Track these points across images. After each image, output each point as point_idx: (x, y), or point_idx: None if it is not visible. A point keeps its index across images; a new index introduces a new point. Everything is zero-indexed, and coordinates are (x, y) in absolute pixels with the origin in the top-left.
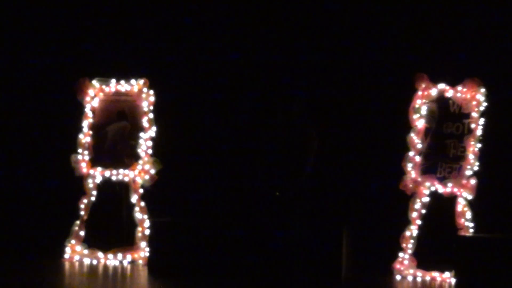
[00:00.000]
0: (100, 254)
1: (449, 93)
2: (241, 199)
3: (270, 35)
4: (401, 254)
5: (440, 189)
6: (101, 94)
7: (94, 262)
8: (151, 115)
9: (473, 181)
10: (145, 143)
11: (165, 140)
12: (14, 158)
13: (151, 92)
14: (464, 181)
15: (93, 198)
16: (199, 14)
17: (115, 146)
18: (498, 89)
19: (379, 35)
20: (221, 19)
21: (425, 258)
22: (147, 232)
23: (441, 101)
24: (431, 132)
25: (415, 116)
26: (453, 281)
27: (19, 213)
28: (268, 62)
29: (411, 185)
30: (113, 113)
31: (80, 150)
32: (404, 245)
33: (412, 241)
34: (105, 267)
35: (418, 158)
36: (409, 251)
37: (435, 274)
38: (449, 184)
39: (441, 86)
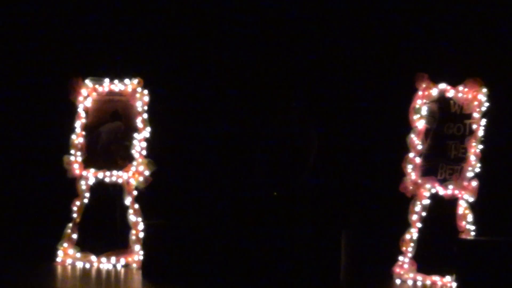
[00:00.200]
0: (93, 258)
1: (450, 93)
2: (238, 201)
3: (268, 33)
4: (401, 258)
5: (441, 191)
6: (94, 94)
7: (87, 265)
8: (145, 115)
9: (474, 183)
10: (139, 144)
11: (160, 141)
12: (5, 159)
13: (146, 91)
14: (465, 183)
15: (86, 200)
16: (194, 12)
17: (108, 147)
18: (500, 89)
19: (379, 34)
20: (218, 17)
21: (425, 262)
22: (141, 235)
23: (442, 101)
24: (432, 133)
25: (416, 117)
26: (454, 285)
27: (11, 215)
28: (266, 61)
29: (411, 187)
30: (106, 113)
31: (72, 151)
32: (404, 248)
33: (412, 244)
34: (99, 270)
35: (418, 160)
36: (409, 255)
37: (436, 278)
38: (450, 186)
39: (442, 86)
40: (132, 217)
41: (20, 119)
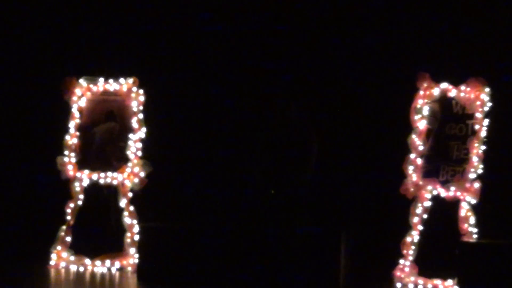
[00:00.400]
0: (87, 261)
1: (452, 92)
2: (235, 203)
3: (267, 32)
4: (401, 261)
5: (443, 193)
6: (88, 94)
7: (81, 269)
8: (140, 116)
9: (477, 185)
10: (134, 145)
11: (156, 141)
12: None
13: (141, 91)
14: (467, 185)
15: (80, 202)
16: (192, 10)
17: (103, 148)
18: (503, 88)
19: (379, 32)
20: (215, 15)
21: (426, 265)
22: (136, 237)
23: (444, 101)
24: (433, 134)
25: (417, 117)
26: None
27: (3, 217)
28: (265, 60)
29: (412, 189)
30: (101, 113)
31: (66, 152)
32: (404, 251)
33: (413, 247)
34: (93, 274)
35: (419, 161)
36: (410, 258)
37: (437, 281)
38: (452, 188)
39: (444, 85)
40: (127, 220)
41: (12, 119)
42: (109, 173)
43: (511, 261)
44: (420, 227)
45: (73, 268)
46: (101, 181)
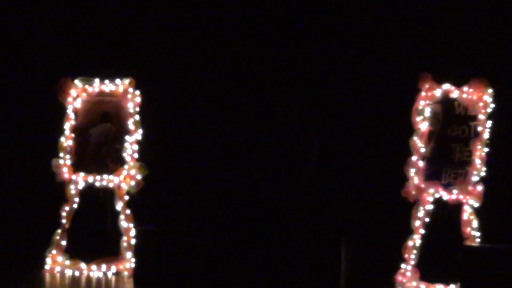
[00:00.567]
0: (83, 265)
1: (455, 93)
2: (234, 206)
3: (267, 33)
4: (403, 265)
5: (445, 196)
6: (84, 95)
7: (77, 273)
8: (137, 117)
9: (479, 188)
10: (130, 147)
11: (152, 143)
12: None
13: (137, 92)
14: (470, 188)
15: (75, 206)
16: (189, 8)
17: (99, 150)
18: (506, 89)
19: (380, 32)
20: (214, 15)
21: (428, 270)
22: (133, 241)
23: (446, 102)
24: (435, 136)
25: (418, 118)
26: None
27: None
28: (265, 60)
29: (414, 192)
30: (96, 114)
31: (61, 154)
32: (406, 255)
33: (415, 251)
34: (88, 278)
35: (421, 163)
36: (412, 262)
37: (440, 286)
38: (454, 191)
39: (446, 86)
40: (123, 223)
41: (6, 120)
42: (105, 176)
43: None
44: (422, 231)
45: (68, 272)
46: (97, 184)
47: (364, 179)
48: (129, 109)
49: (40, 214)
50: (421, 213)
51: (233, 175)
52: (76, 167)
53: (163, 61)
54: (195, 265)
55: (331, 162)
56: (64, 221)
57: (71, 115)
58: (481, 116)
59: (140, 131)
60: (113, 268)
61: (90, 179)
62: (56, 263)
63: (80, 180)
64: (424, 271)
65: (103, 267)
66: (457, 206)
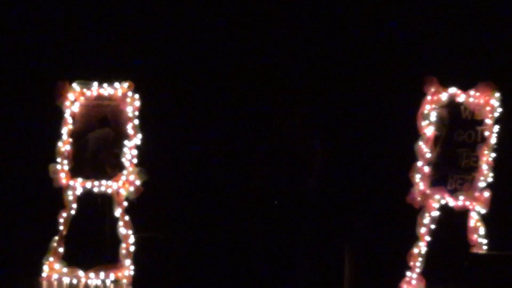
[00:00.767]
0: (81, 273)
1: (461, 97)
2: (235, 212)
3: (269, 35)
4: (408, 273)
5: (451, 202)
6: (82, 99)
7: (74, 281)
8: (136, 121)
9: (486, 194)
10: (129, 152)
11: (152, 148)
12: None
13: (136, 96)
14: (477, 194)
15: (73, 212)
16: (189, 10)
17: (97, 155)
18: None
19: (385, 35)
20: (215, 17)
21: (434, 278)
22: (132, 248)
23: (452, 106)
24: (441, 141)
25: (424, 123)
26: None
27: None
28: (266, 62)
29: (419, 198)
30: (95, 119)
31: (59, 159)
32: (411, 263)
33: (420, 258)
34: (86, 286)
35: (427, 169)
36: (417, 270)
37: None
38: (461, 197)
39: (452, 90)
40: (122, 230)
41: (2, 124)
42: (103, 181)
43: None
44: (428, 238)
45: (66, 280)
46: (95, 190)
47: (368, 185)
48: (128, 113)
49: (37, 220)
50: (426, 220)
51: (234, 180)
52: (74, 173)
53: (162, 64)
54: (195, 272)
55: (335, 167)
56: (61, 227)
57: (69, 120)
58: (488, 121)
59: (139, 135)
60: (112, 276)
61: (88, 184)
62: (53, 270)
63: (78, 185)
64: (430, 279)
65: (102, 274)
66: (464, 213)
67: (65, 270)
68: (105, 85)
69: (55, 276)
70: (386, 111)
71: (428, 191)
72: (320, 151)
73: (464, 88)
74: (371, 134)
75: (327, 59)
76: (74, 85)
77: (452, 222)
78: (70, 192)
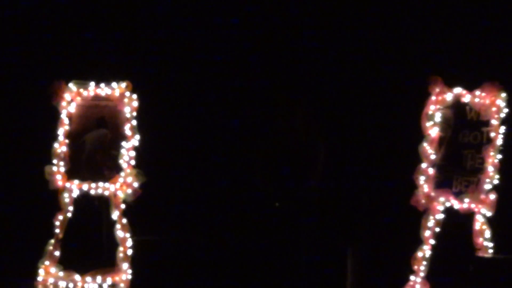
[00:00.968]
0: (77, 277)
1: (466, 98)
2: (236, 214)
3: (270, 34)
4: (412, 277)
5: (456, 204)
6: (78, 99)
7: (71, 285)
8: (134, 122)
9: (492, 196)
10: (127, 153)
11: (150, 149)
12: None
13: (134, 96)
14: (482, 196)
15: (69, 214)
16: (189, 8)
17: (94, 157)
18: None
19: (388, 34)
20: (216, 15)
21: (439, 282)
22: (130, 252)
23: (457, 107)
24: (446, 142)
25: (428, 124)
26: None
27: None
28: (268, 62)
29: (423, 200)
30: (92, 119)
31: (55, 161)
32: (415, 267)
33: (424, 262)
34: None
35: (431, 171)
36: (421, 274)
37: None
38: (466, 199)
39: (457, 90)
40: (119, 233)
41: None
42: (101, 184)
43: None
44: (432, 241)
45: (62, 284)
46: (92, 192)
47: (371, 187)
48: (125, 113)
49: (32, 223)
50: (431, 223)
51: (235, 182)
52: (70, 175)
53: (161, 63)
54: (195, 277)
55: (338, 168)
56: (57, 230)
57: (65, 120)
58: (494, 122)
59: (138, 136)
60: (109, 280)
61: (85, 187)
62: (49, 274)
63: (75, 188)
64: (434, 283)
65: (98, 279)
66: (469, 215)
67: (61, 274)
68: (102, 85)
69: (51, 280)
70: (389, 111)
71: (432, 194)
72: (323, 152)
73: (470, 88)
74: (374, 135)
75: (329, 59)
76: (71, 85)
77: (457, 225)
78: (66, 195)
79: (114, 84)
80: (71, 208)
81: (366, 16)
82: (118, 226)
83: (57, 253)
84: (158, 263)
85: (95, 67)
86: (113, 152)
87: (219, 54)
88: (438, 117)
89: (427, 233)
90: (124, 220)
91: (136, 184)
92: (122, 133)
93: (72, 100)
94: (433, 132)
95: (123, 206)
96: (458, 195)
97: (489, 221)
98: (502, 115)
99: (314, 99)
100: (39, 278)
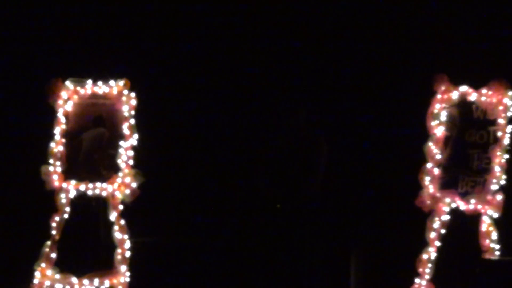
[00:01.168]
0: (74, 280)
1: (472, 96)
2: (237, 216)
3: (272, 33)
4: (417, 280)
5: (462, 205)
6: (75, 97)
7: None
8: (132, 121)
9: (499, 197)
10: (125, 153)
11: (149, 149)
12: None
13: (133, 94)
14: (489, 197)
15: (66, 216)
16: (189, 7)
17: (91, 156)
18: None
19: (392, 31)
20: (218, 13)
21: (444, 285)
22: (128, 254)
23: (463, 105)
24: (452, 141)
25: (434, 123)
26: None
27: None
28: (270, 62)
29: (429, 202)
30: (89, 118)
31: (51, 161)
32: (420, 269)
33: (430, 265)
34: None
35: (437, 171)
36: (427, 277)
37: None
38: (472, 200)
39: (463, 88)
40: (117, 234)
41: None
42: (98, 184)
43: None
44: (438, 243)
45: (58, 287)
46: (89, 193)
47: (375, 187)
48: (123, 112)
49: (28, 224)
50: (436, 224)
51: (236, 183)
52: (67, 175)
53: (160, 61)
54: (194, 279)
55: (341, 169)
56: (54, 232)
57: (62, 119)
58: (501, 121)
59: (136, 136)
60: (107, 283)
61: (82, 187)
62: (45, 277)
63: (71, 188)
64: (440, 286)
65: (96, 281)
66: (475, 217)
67: (57, 276)
68: (99, 83)
69: (47, 283)
70: (394, 110)
71: (438, 194)
72: (326, 153)
73: (476, 86)
74: (378, 134)
75: (334, 58)
76: (68, 83)
77: (463, 226)
78: (63, 195)
79: (112, 82)
80: (68, 209)
81: (371, 15)
82: (116, 227)
83: (53, 255)
84: (157, 266)
85: (92, 65)
86: (111, 152)
87: (222, 54)
88: (443, 116)
89: (433, 234)
90: (122, 221)
91: (134, 185)
92: (120, 132)
93: (69, 98)
94: (439, 131)
95: (121, 207)
96: (464, 196)
97: (496, 222)
98: (510, 114)
99: (317, 99)
100: (35, 281)
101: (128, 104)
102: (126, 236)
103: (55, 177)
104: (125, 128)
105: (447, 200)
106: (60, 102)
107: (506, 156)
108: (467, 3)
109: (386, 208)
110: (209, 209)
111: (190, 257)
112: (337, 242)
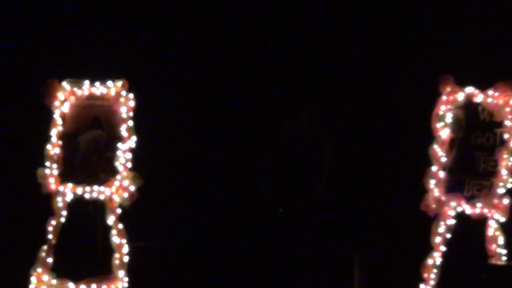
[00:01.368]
0: (71, 285)
1: (479, 98)
2: (238, 220)
3: (274, 32)
4: (422, 286)
5: (468, 209)
6: (72, 98)
7: None
8: (130, 123)
9: (506, 201)
10: (123, 155)
11: (147, 151)
12: None
13: (131, 95)
14: (495, 201)
15: (63, 219)
16: (189, 6)
17: (88, 159)
18: None
19: (398, 32)
20: (219, 11)
21: None
22: (126, 259)
23: (469, 107)
24: (458, 144)
25: (439, 125)
26: None
27: None
28: (272, 62)
29: (434, 205)
30: (86, 120)
31: (48, 163)
32: (425, 275)
33: (435, 270)
34: None
35: (442, 174)
36: (432, 282)
37: None
38: (478, 204)
39: (469, 90)
40: (115, 239)
41: None
42: (95, 187)
43: None
44: (443, 248)
45: None
46: (87, 196)
47: (379, 191)
48: (121, 114)
49: (24, 228)
50: (441, 229)
51: (237, 186)
52: (64, 178)
53: (158, 61)
54: (193, 284)
55: (344, 171)
56: (50, 236)
57: (58, 121)
58: (508, 123)
59: (134, 138)
60: None
61: (79, 190)
62: (41, 282)
63: (68, 191)
64: None
65: (93, 287)
66: (481, 221)
67: (54, 282)
68: (97, 83)
69: None
70: (398, 112)
71: (443, 198)
72: (329, 155)
73: (482, 87)
74: (382, 136)
75: (338, 59)
76: (64, 83)
77: (469, 231)
78: (59, 199)
79: (109, 83)
80: (64, 212)
81: (376, 16)
82: (113, 231)
83: (50, 260)
84: (155, 271)
85: (89, 65)
86: (108, 154)
87: (222, 54)
88: (449, 117)
89: (438, 239)
90: (120, 226)
91: (132, 188)
92: (118, 134)
93: (65, 99)
94: (444, 133)
95: (119, 210)
96: (470, 200)
97: (503, 226)
98: None
99: (321, 101)
100: (31, 286)
101: (126, 105)
102: (124, 241)
103: (51, 180)
104: (123, 130)
105: (453, 204)
106: (57, 103)
107: None
108: (472, 4)
109: (391, 212)
110: (210, 213)
111: (189, 262)
112: (341, 246)
